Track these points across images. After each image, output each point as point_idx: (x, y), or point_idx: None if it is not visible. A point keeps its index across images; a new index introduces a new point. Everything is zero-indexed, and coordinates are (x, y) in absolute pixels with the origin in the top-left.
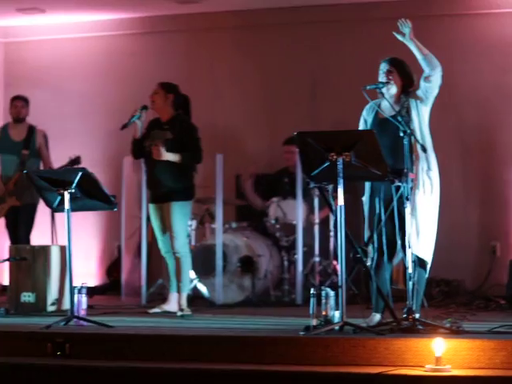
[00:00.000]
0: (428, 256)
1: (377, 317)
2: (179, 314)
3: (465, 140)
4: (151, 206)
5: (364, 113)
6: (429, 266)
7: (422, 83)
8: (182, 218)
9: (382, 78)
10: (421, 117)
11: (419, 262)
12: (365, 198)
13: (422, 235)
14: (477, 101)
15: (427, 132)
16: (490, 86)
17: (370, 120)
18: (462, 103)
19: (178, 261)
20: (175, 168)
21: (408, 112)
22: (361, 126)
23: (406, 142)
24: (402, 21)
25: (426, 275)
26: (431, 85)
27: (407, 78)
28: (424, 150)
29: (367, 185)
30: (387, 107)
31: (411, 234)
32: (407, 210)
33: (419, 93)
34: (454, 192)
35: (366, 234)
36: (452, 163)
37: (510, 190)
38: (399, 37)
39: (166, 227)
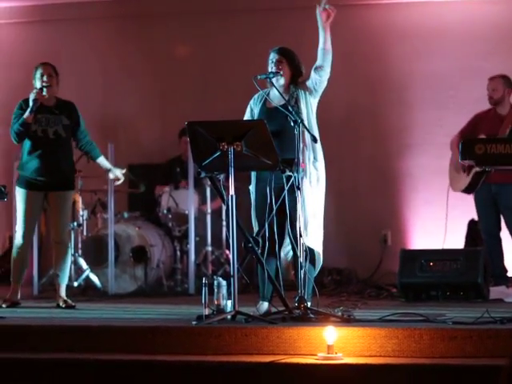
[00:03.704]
0: (318, 246)
1: (264, 305)
2: (61, 305)
3: (357, 128)
4: (37, 194)
5: (251, 102)
6: (321, 256)
7: (313, 74)
8: (70, 207)
9: (271, 67)
10: (309, 107)
11: (309, 252)
12: (251, 187)
13: (309, 225)
14: (369, 89)
15: (315, 123)
16: (381, 75)
17: (257, 109)
18: (355, 91)
19: (62, 250)
20: (71, 155)
21: (297, 102)
22: (246, 116)
23: (296, 131)
24: (325, 4)
25: (320, 264)
26: (321, 78)
27: (296, 69)
28: (315, 140)
29: (253, 174)
30: (276, 97)
31: (300, 224)
32: (298, 200)
33: (309, 84)
34: (346, 181)
35: (254, 223)
36: (344, 152)
37: (401, 179)
38: (319, 19)
39: (56, 216)
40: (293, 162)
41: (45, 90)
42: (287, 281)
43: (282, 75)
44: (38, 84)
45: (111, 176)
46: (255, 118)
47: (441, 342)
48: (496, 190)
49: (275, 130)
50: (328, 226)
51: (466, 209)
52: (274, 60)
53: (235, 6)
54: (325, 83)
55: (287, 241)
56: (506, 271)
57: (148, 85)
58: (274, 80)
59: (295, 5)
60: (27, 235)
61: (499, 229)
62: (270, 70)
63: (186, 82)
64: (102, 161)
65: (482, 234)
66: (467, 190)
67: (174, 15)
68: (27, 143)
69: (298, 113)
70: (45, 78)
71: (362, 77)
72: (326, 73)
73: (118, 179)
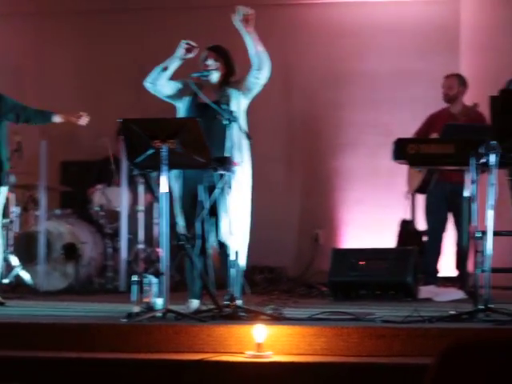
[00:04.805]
0: (242, 245)
1: (194, 303)
2: None
3: (290, 127)
4: None
5: (183, 83)
6: (245, 255)
7: (249, 77)
8: (2, 203)
9: (205, 65)
10: (240, 107)
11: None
12: (172, 184)
13: (237, 225)
14: (303, 89)
15: (244, 122)
16: (316, 75)
17: (186, 101)
18: (288, 90)
19: None
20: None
21: (228, 101)
22: (173, 84)
23: (228, 130)
24: (241, 9)
25: (245, 262)
26: (257, 81)
27: (230, 67)
28: (249, 138)
29: (175, 171)
30: (207, 94)
31: (227, 222)
32: (229, 198)
33: (244, 84)
34: (279, 179)
35: (179, 220)
36: (276, 151)
37: (334, 178)
38: (237, 25)
39: None
40: (225, 161)
41: None
42: (218, 279)
43: (216, 73)
44: None
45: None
46: (182, 108)
47: (369, 341)
48: (452, 188)
49: (203, 128)
50: (260, 225)
51: (398, 208)
52: (209, 58)
53: (172, 3)
54: (260, 85)
55: (215, 239)
56: (437, 271)
57: (83, 82)
58: (207, 77)
59: (230, 2)
60: None
61: (444, 230)
62: (204, 67)
63: (122, 80)
64: (57, 118)
65: (427, 233)
66: (420, 190)
67: (108, 12)
68: None
69: (231, 111)
70: None
71: (296, 76)
72: (263, 75)
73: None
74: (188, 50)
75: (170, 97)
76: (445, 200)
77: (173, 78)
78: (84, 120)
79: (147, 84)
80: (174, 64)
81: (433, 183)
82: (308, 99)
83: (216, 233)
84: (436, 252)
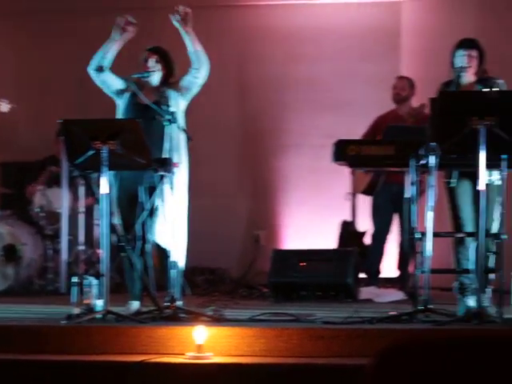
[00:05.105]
0: (181, 246)
1: (135, 304)
2: None
3: (230, 129)
4: None
5: (124, 82)
6: (184, 256)
7: (189, 76)
8: None
9: (147, 66)
10: (179, 108)
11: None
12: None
13: (174, 226)
14: (244, 90)
15: (183, 123)
16: (260, 77)
17: (125, 100)
18: (228, 92)
19: None
20: None
21: (167, 102)
22: (115, 78)
23: (168, 131)
24: (180, 9)
25: (183, 264)
26: (196, 80)
27: (170, 68)
28: (189, 138)
29: (110, 172)
30: (147, 95)
31: (166, 224)
32: (172, 199)
33: (182, 84)
34: (221, 180)
35: (117, 221)
36: (217, 152)
37: (275, 179)
38: (176, 24)
39: None
40: (165, 162)
41: None
42: (158, 280)
43: (156, 74)
44: None
45: None
46: (122, 106)
47: (309, 342)
48: (398, 190)
49: (143, 128)
50: (201, 226)
51: (339, 210)
52: (149, 59)
53: (112, 3)
54: (199, 85)
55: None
56: (379, 272)
57: (24, 83)
58: (147, 78)
59: (167, 4)
60: None
61: (389, 231)
62: (144, 68)
63: (63, 81)
64: None
65: (372, 234)
66: (367, 191)
67: (49, 12)
68: None
69: (170, 112)
70: None
71: (237, 78)
72: (202, 74)
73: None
74: (124, 29)
75: (114, 92)
76: (391, 201)
77: (117, 74)
78: (5, 107)
79: (91, 71)
80: (113, 46)
81: (380, 185)
82: (251, 101)
83: (155, 234)
84: (379, 253)
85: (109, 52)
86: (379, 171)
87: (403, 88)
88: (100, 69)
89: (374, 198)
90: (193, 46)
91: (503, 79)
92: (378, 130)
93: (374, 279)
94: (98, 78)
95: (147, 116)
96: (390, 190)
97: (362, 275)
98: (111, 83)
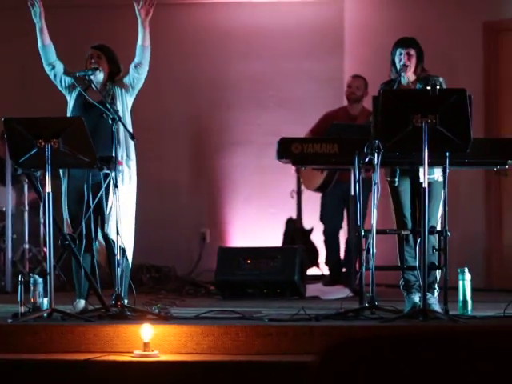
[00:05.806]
0: (128, 244)
1: (81, 303)
2: None
3: (176, 127)
4: None
5: (71, 80)
6: (131, 253)
7: (132, 72)
8: None
9: (90, 63)
10: (125, 105)
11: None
12: (63, 185)
13: (122, 224)
14: (188, 88)
15: (129, 121)
16: (204, 75)
17: (73, 101)
18: (172, 89)
19: None
20: None
21: (113, 99)
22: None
23: (114, 129)
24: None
25: (130, 262)
26: (140, 76)
27: (115, 66)
28: (132, 137)
29: (61, 170)
30: (93, 93)
31: (113, 221)
32: (116, 198)
33: (126, 81)
34: (166, 178)
35: (65, 219)
36: (164, 150)
37: (221, 177)
38: (138, 16)
39: None
40: (110, 160)
41: None
42: (104, 278)
43: (100, 71)
44: None
45: None
46: (70, 103)
47: (256, 339)
48: (348, 188)
49: (90, 127)
50: (147, 224)
51: (285, 207)
52: (94, 56)
53: (54, 1)
54: (142, 80)
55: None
56: (341, 266)
57: None
58: (92, 76)
59: (113, 2)
60: None
61: (341, 227)
62: (88, 66)
63: (6, 80)
64: None
65: (324, 232)
66: (320, 189)
67: None
68: None
69: (116, 110)
70: None
71: (181, 76)
72: (145, 70)
73: None
74: (31, 4)
75: (64, 89)
76: (342, 199)
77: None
78: None
79: (46, 68)
80: (41, 29)
81: (333, 182)
82: (195, 99)
83: (102, 232)
84: (336, 249)
85: (43, 39)
86: (333, 169)
87: (359, 87)
88: (52, 66)
89: (325, 195)
90: (144, 41)
91: (444, 77)
92: (327, 126)
93: (338, 276)
94: (51, 75)
95: (95, 113)
96: (341, 188)
97: (325, 272)
98: (63, 80)
